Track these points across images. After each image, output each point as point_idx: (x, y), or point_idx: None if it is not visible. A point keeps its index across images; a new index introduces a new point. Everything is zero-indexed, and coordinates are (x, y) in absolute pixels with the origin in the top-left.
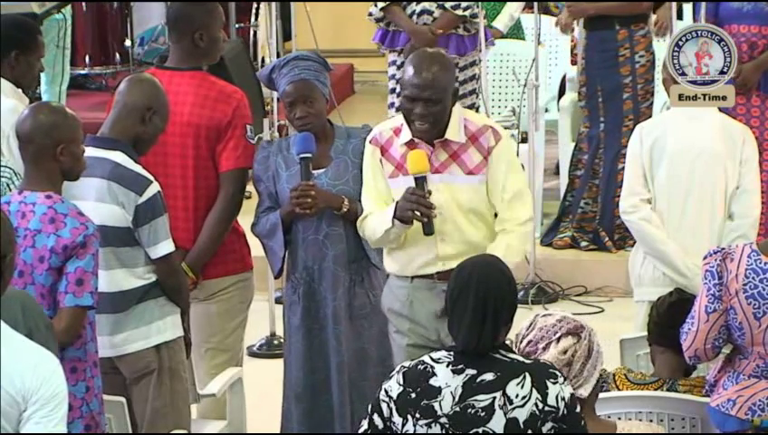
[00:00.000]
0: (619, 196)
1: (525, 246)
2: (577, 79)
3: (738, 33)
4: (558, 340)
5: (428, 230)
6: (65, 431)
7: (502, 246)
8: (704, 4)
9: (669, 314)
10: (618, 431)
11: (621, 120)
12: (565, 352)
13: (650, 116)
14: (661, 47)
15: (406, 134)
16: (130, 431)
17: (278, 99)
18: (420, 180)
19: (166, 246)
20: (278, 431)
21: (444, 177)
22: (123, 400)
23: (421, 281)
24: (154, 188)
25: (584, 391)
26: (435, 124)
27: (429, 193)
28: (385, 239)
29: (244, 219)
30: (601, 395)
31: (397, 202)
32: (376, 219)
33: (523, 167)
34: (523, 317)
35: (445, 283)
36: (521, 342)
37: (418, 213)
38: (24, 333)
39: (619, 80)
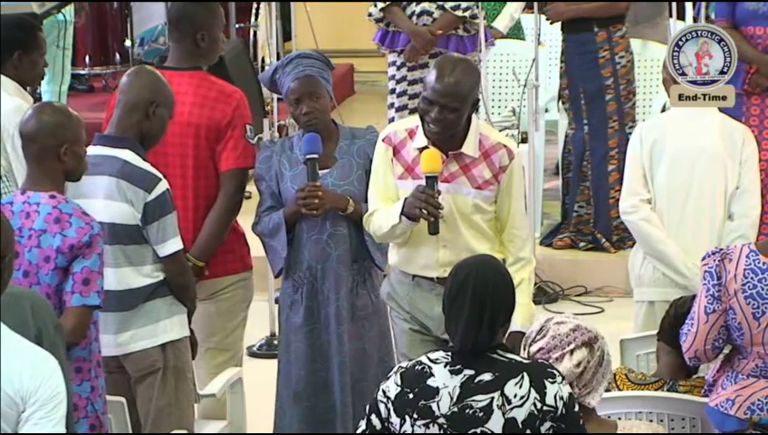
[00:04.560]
0: (612, 197)
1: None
2: (558, 82)
3: (755, 35)
4: (572, 352)
5: (433, 230)
6: (64, 432)
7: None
8: (704, 4)
9: (685, 317)
10: (618, 431)
11: (606, 122)
12: (579, 365)
13: (634, 116)
14: (661, 48)
15: (420, 139)
16: (131, 431)
17: (279, 99)
18: (431, 180)
19: (174, 244)
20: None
21: (451, 186)
22: (123, 400)
23: (422, 280)
24: (163, 185)
25: (592, 401)
26: (447, 129)
27: (439, 193)
28: (390, 235)
29: (245, 219)
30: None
31: (405, 198)
32: (383, 215)
33: (523, 167)
34: None
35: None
36: (530, 346)
37: (425, 211)
38: (34, 334)
39: (601, 82)
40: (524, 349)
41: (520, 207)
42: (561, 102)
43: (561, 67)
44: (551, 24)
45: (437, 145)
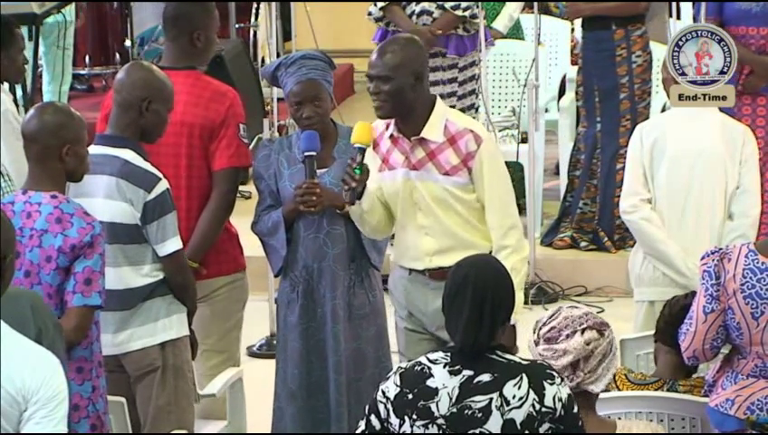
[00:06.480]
0: (618, 196)
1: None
2: (575, 78)
3: (747, 35)
4: (582, 331)
5: (350, 199)
6: (66, 431)
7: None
8: (704, 4)
9: (682, 316)
10: (618, 431)
11: (618, 120)
12: (588, 344)
13: (647, 116)
14: (660, 48)
15: (392, 127)
16: (131, 431)
17: (279, 98)
18: (357, 150)
19: (174, 244)
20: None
21: (421, 174)
22: (123, 400)
23: (417, 275)
24: (163, 185)
25: (596, 388)
26: (388, 103)
27: (359, 165)
28: (358, 223)
29: (243, 220)
30: (601, 395)
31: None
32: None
33: (522, 167)
34: (524, 318)
35: (437, 281)
36: (540, 329)
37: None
38: (34, 333)
39: (616, 80)
40: (534, 332)
41: (499, 193)
42: (575, 99)
43: (578, 64)
44: (569, 21)
45: (402, 130)
